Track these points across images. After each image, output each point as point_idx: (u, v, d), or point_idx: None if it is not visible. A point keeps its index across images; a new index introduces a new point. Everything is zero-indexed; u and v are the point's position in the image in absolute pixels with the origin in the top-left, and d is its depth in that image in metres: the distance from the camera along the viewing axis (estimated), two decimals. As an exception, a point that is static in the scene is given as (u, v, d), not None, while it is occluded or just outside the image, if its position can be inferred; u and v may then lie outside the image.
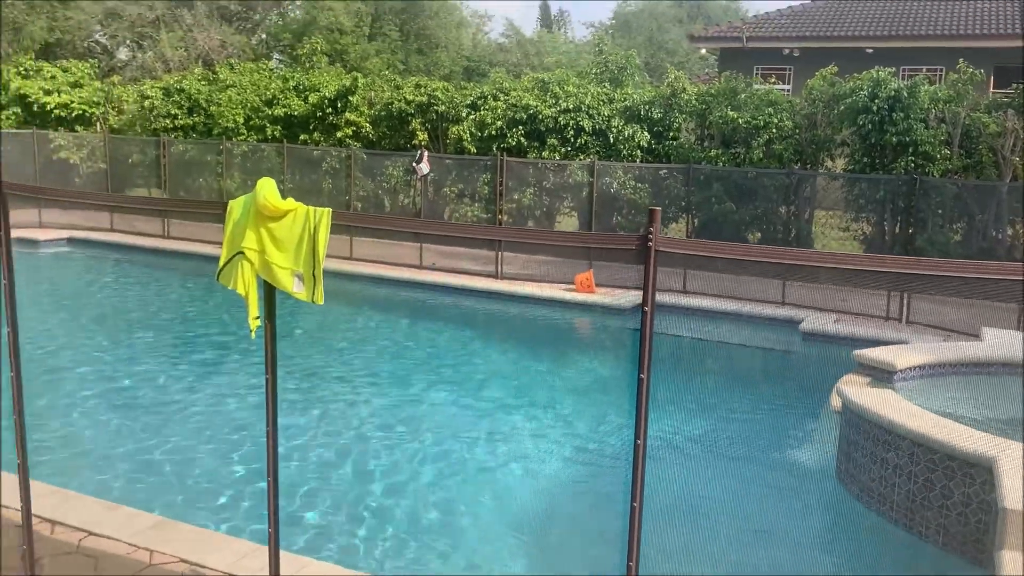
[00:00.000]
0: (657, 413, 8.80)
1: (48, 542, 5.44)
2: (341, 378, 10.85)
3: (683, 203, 16.94)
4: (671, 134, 17.67)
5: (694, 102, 17.46)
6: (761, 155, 16.32)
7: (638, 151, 17.60)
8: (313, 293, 3.90)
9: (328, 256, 3.91)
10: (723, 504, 7.15)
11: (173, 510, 6.44)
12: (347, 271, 16.21)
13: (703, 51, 33.85)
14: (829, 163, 16.79)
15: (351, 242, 17.59)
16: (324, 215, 3.86)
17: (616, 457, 8.29)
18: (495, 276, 16.17)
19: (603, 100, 18.29)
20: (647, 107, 17.79)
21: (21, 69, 24.39)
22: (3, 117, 23.41)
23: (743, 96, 17.07)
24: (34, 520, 5.29)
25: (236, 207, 4.10)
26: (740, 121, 16.40)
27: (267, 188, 3.94)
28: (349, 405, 9.77)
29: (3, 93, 23.69)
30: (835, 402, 7.82)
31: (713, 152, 16.87)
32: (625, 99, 18.30)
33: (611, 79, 20.61)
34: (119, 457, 7.86)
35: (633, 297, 13.83)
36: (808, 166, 16.55)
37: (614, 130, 17.60)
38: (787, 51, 25.72)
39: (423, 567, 6.21)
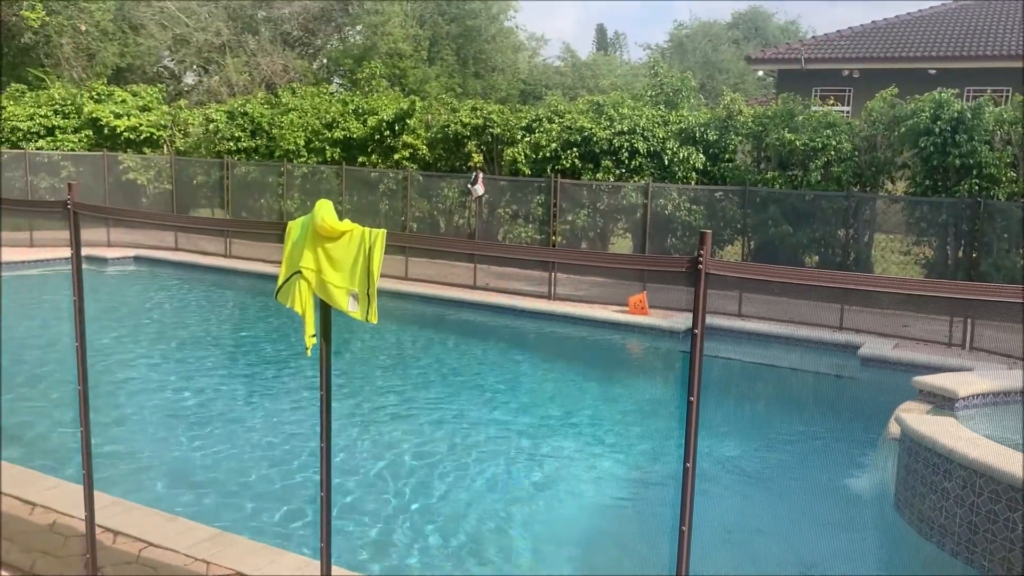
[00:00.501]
0: (711, 438, 8.71)
1: (110, 551, 5.60)
2: (393, 395, 10.95)
3: (739, 225, 16.79)
4: (727, 156, 17.55)
5: (750, 124, 17.34)
6: (819, 177, 16.11)
7: (693, 173, 17.51)
8: (367, 312, 3.98)
9: (383, 276, 3.99)
10: (776, 528, 7.03)
11: (231, 523, 6.56)
12: (402, 291, 16.41)
13: (760, 72, 33.57)
14: (889, 186, 16.48)
15: (406, 262, 17.81)
16: (379, 236, 3.94)
17: (664, 481, 8.21)
18: (548, 297, 16.20)
19: (658, 122, 18.26)
20: (702, 129, 17.70)
21: (94, 93, 25.34)
22: (76, 140, 24.33)
23: (801, 118, 16.88)
24: (97, 530, 5.45)
25: (295, 228, 4.20)
26: (797, 143, 16.21)
27: (324, 209, 4.04)
28: (400, 421, 9.86)
29: (76, 116, 24.64)
30: (893, 429, 7.65)
31: (770, 174, 16.71)
32: (680, 121, 18.24)
33: (666, 101, 20.57)
34: (179, 469, 8.05)
35: (687, 319, 13.71)
36: (868, 189, 16.27)
37: (669, 152, 17.55)
38: (847, 72, 25.38)
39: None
